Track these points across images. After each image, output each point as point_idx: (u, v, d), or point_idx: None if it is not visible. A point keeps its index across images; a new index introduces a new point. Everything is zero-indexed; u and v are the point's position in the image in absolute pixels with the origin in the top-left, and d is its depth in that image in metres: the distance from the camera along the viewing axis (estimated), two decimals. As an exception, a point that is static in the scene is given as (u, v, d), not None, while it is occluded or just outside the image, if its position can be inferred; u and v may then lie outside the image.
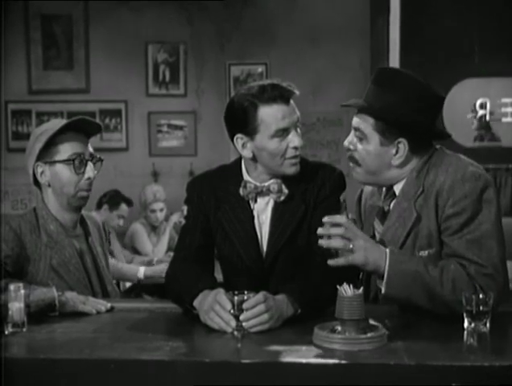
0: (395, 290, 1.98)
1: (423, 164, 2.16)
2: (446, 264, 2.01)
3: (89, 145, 2.44)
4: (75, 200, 2.41)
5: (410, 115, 2.11)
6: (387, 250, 2.01)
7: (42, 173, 2.40)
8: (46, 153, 2.37)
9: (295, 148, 2.17)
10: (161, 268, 4.01)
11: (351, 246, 1.95)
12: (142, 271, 4.16)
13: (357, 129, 2.17)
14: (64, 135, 2.37)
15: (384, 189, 2.27)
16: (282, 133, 2.15)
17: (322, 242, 1.97)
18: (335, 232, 1.96)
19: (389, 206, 2.21)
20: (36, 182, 2.44)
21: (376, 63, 5.65)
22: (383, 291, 1.99)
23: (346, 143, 2.21)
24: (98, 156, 2.44)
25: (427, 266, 2.00)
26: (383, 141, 2.14)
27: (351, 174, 2.27)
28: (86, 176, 2.39)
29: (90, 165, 2.40)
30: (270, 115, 2.14)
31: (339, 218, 1.98)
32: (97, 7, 5.92)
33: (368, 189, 2.41)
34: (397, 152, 2.15)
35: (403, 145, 2.14)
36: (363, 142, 2.16)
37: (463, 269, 2.00)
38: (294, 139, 2.16)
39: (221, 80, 5.91)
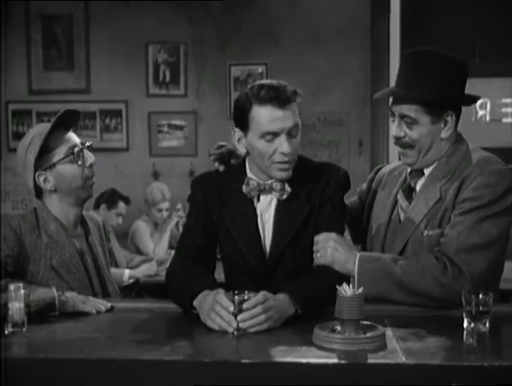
0: (367, 289, 1.98)
1: (454, 150, 2.25)
2: (418, 255, 2.13)
3: (74, 134, 2.43)
4: (84, 191, 2.41)
5: (452, 89, 2.21)
6: (358, 253, 2.13)
7: (45, 180, 2.38)
8: (42, 160, 2.36)
9: (283, 154, 2.11)
10: (144, 269, 4.51)
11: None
12: (126, 274, 4.45)
13: (404, 116, 2.22)
14: (52, 135, 2.35)
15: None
16: (271, 136, 2.10)
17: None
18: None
19: (415, 183, 2.30)
20: (37, 193, 2.41)
21: (376, 63, 5.65)
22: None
23: (395, 133, 2.25)
24: (86, 142, 2.43)
25: (397, 261, 2.10)
26: (434, 120, 2.22)
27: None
28: (88, 163, 2.40)
29: (86, 152, 2.41)
30: (260, 115, 2.09)
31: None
32: (98, 7, 5.91)
33: (390, 166, 2.51)
34: (445, 125, 2.23)
35: (451, 117, 2.24)
36: (414, 127, 2.23)
37: (435, 258, 2.08)
38: (283, 145, 2.10)
39: (222, 80, 5.89)
